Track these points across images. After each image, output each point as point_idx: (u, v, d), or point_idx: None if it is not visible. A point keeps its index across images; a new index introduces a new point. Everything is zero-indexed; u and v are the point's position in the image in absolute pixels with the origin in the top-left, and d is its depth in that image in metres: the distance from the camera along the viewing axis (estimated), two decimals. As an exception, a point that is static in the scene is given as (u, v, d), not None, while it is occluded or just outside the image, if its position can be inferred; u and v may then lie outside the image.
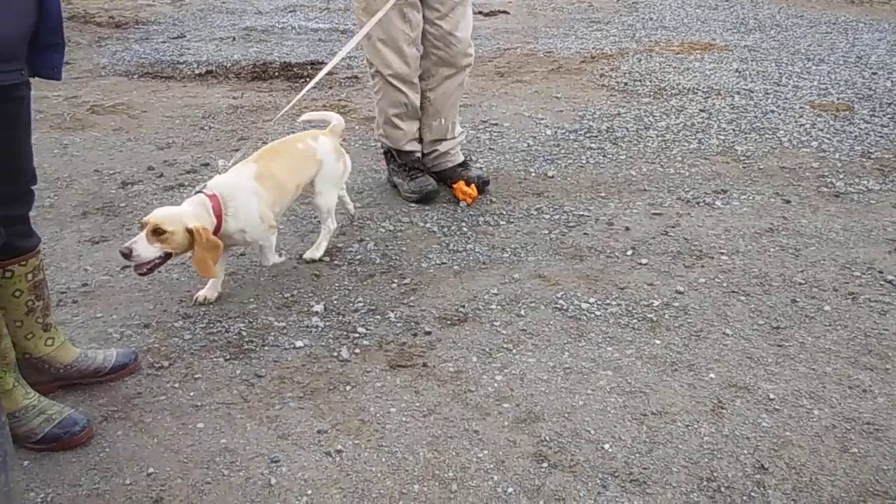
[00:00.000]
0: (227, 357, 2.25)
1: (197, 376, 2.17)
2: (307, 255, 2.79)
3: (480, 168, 3.47)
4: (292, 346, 2.30)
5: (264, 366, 2.21)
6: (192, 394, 2.10)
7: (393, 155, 3.34)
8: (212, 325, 2.40)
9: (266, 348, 2.29)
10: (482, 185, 3.28)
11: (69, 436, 1.89)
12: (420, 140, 3.35)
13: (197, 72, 5.24)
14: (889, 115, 4.06)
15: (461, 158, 3.38)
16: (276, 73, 5.17)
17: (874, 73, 4.79)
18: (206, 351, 2.28)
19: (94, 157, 3.75)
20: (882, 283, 2.60)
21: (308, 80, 5.02)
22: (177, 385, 2.14)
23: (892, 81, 4.62)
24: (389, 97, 3.21)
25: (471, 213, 3.14)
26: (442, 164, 3.35)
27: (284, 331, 2.37)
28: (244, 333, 2.36)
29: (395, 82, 3.17)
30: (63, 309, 2.48)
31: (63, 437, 1.89)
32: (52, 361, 2.04)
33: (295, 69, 5.23)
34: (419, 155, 3.35)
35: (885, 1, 6.99)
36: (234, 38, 6.16)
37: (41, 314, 1.97)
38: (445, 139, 3.33)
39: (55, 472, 1.83)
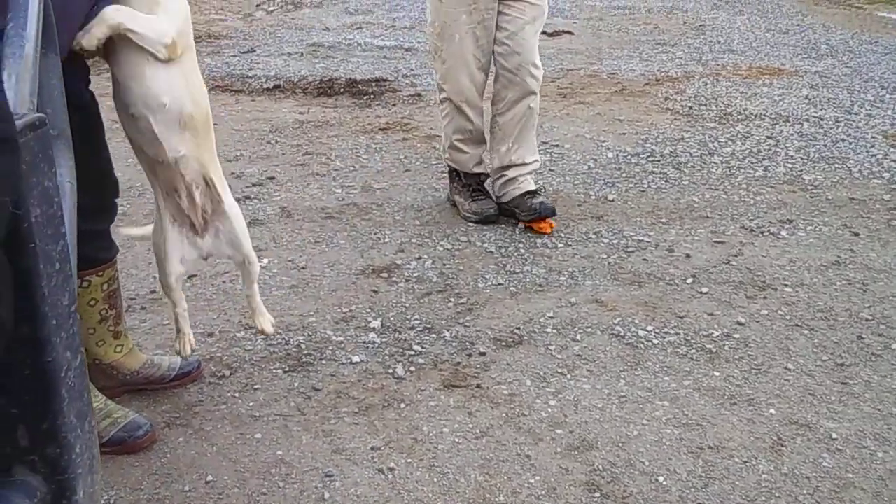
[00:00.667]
0: (286, 369, 2.30)
1: (256, 387, 2.23)
2: None
3: (547, 197, 3.38)
4: (349, 360, 2.34)
5: (321, 379, 2.25)
6: (251, 404, 2.16)
7: (458, 174, 3.35)
8: (272, 336, 2.46)
9: (323, 362, 2.34)
10: (546, 213, 3.17)
11: (133, 439, 1.96)
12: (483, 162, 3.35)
13: (265, 86, 5.39)
14: (968, 147, 3.91)
15: (531, 186, 3.26)
16: (342, 90, 5.27)
17: (953, 103, 4.62)
18: (265, 362, 2.34)
19: (165, 167, 3.88)
20: (956, 323, 2.50)
21: (372, 96, 5.12)
22: (237, 395, 2.20)
23: (972, 111, 4.45)
24: (456, 122, 3.22)
25: (529, 234, 3.14)
26: (510, 191, 3.25)
27: (342, 345, 2.42)
28: (303, 346, 2.41)
29: (463, 107, 3.18)
30: (132, 315, 2.57)
31: (127, 440, 1.96)
32: (119, 367, 2.12)
33: (360, 86, 5.33)
34: (485, 177, 3.34)
35: (966, 26, 6.73)
36: (302, 54, 6.31)
37: (113, 322, 2.06)
38: (514, 165, 3.25)
39: (118, 475, 1.90)
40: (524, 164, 3.26)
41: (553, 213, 3.18)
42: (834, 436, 2.03)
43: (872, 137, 4.10)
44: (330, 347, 2.40)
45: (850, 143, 4.02)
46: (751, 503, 1.81)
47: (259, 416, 2.11)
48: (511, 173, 3.25)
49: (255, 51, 6.46)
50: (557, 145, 4.14)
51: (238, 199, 3.44)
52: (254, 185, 3.65)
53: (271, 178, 3.71)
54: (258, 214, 3.33)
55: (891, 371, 2.28)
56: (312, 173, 3.78)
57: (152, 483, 1.88)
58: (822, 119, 4.40)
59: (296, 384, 2.24)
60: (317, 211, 3.36)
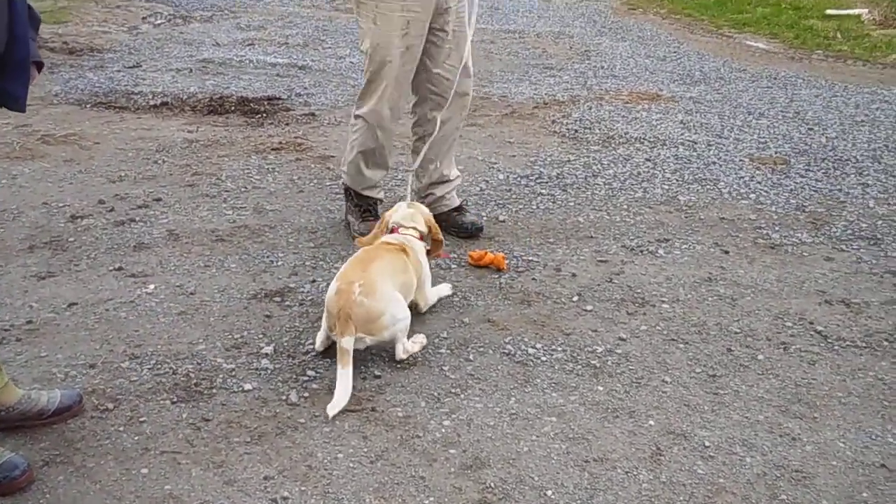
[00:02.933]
0: (175, 400, 2.24)
1: (143, 419, 2.16)
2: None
3: (476, 214, 3.50)
4: (241, 388, 2.31)
5: (212, 409, 2.21)
6: (136, 437, 2.09)
7: (352, 194, 3.38)
8: (159, 365, 2.39)
9: (214, 391, 2.29)
10: (475, 231, 3.35)
11: (8, 480, 1.87)
12: (377, 187, 3.39)
13: (152, 103, 5.22)
14: (823, 171, 4.28)
15: (457, 202, 3.43)
16: (233, 108, 5.18)
17: (810, 129, 5.04)
18: (152, 393, 2.27)
19: (43, 188, 3.70)
20: (812, 333, 2.73)
21: (265, 115, 5.05)
22: (121, 428, 2.12)
23: (826, 137, 4.86)
24: (364, 141, 3.23)
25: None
26: (437, 207, 3.34)
27: (233, 373, 2.38)
28: (192, 375, 2.36)
29: (376, 129, 3.19)
30: (6, 347, 2.44)
31: (2, 481, 1.86)
32: (-7, 403, 2.01)
33: (252, 104, 5.26)
34: (376, 202, 3.39)
35: (823, 58, 7.36)
36: (191, 70, 6.15)
37: (-15, 356, 1.95)
38: (441, 182, 3.37)
39: (-8, 519, 1.80)
40: (448, 180, 3.40)
41: (481, 230, 3.36)
42: (707, 444, 2.17)
43: (740, 160, 4.41)
44: (221, 375, 2.36)
45: (721, 166, 4.31)
46: (632, 512, 1.91)
47: (146, 450, 2.05)
48: (438, 191, 3.37)
49: (140, 66, 6.25)
50: (450, 166, 4.22)
51: (122, 222, 3.35)
52: (139, 206, 3.53)
53: (158, 200, 3.60)
54: (143, 238, 3.22)
55: (757, 380, 2.47)
56: (202, 194, 3.69)
57: (29, 526, 1.79)
58: (695, 143, 4.69)
59: (185, 415, 2.18)
60: (206, 234, 3.29)
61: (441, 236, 2.90)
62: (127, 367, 2.38)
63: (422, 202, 3.31)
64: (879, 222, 3.63)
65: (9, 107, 1.81)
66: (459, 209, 3.42)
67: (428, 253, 2.82)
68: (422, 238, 2.78)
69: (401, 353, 2.46)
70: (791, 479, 2.05)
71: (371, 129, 3.19)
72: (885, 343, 2.68)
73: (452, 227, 3.36)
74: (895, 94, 5.90)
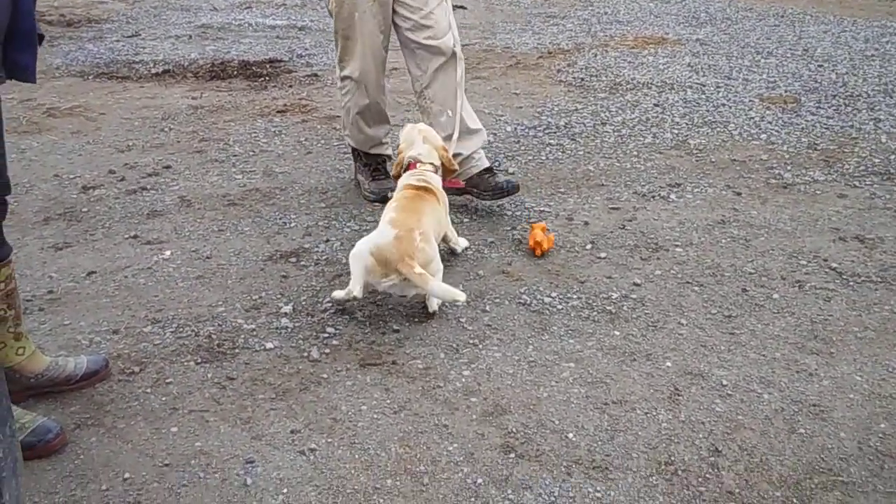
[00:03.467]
0: (199, 361, 2.28)
1: (168, 381, 2.20)
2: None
3: (509, 173, 3.35)
4: (263, 347, 2.34)
5: (235, 368, 2.25)
6: (164, 398, 2.13)
7: (359, 154, 3.36)
8: (181, 329, 2.43)
9: (237, 350, 2.33)
10: (512, 190, 3.12)
11: (43, 443, 1.91)
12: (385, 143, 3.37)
13: (154, 71, 5.20)
14: (834, 108, 4.23)
15: (486, 164, 3.21)
16: (235, 73, 5.15)
17: (820, 66, 4.96)
18: (176, 355, 2.31)
19: (52, 161, 3.72)
20: (827, 270, 2.73)
21: (268, 78, 5.02)
22: (149, 390, 2.16)
23: (836, 74, 4.79)
24: (356, 100, 3.21)
25: (434, 210, 3.19)
26: (467, 171, 3.16)
27: (254, 333, 2.41)
28: (214, 337, 2.39)
29: (364, 84, 3.15)
30: (30, 317, 2.48)
31: (37, 444, 1.90)
32: (22, 371, 2.05)
33: (254, 68, 5.22)
34: (385, 158, 3.36)
35: (830, -7, 7.21)
36: (191, 37, 6.10)
37: (13, 324, 1.98)
38: (464, 135, 3.14)
39: (31, 481, 1.85)
40: (470, 130, 3.17)
41: (517, 189, 3.13)
42: (724, 382, 2.20)
43: (750, 101, 4.36)
44: (242, 335, 2.40)
45: (731, 108, 4.26)
46: (653, 450, 1.95)
47: (174, 410, 2.09)
48: (464, 150, 3.13)
49: (139, 34, 6.20)
50: (457, 121, 4.20)
51: (133, 191, 3.36)
52: (149, 175, 3.54)
53: (167, 167, 3.61)
54: (157, 205, 3.24)
55: (773, 319, 2.48)
56: (211, 160, 3.70)
57: (67, 486, 1.84)
58: (703, 86, 4.64)
59: (209, 375, 2.22)
60: (218, 199, 3.31)
61: (455, 166, 2.87)
62: (150, 331, 2.42)
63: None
64: (892, 157, 3.60)
65: (19, 78, 1.81)
66: (490, 170, 3.20)
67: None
68: (436, 171, 2.76)
69: (434, 306, 2.50)
70: (809, 413, 2.08)
71: (360, 87, 3.15)
72: (900, 277, 2.68)
73: (486, 191, 3.14)
74: (906, 27, 5.79)
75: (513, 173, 3.54)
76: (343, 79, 3.22)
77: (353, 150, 3.40)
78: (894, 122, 3.99)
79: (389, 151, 3.39)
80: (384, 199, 3.20)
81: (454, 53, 3.10)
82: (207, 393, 2.16)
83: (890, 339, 2.37)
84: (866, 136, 3.84)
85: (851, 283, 2.65)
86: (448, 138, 3.08)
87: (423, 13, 3.06)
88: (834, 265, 2.76)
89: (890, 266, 2.75)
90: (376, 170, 3.34)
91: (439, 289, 2.39)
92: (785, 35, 5.73)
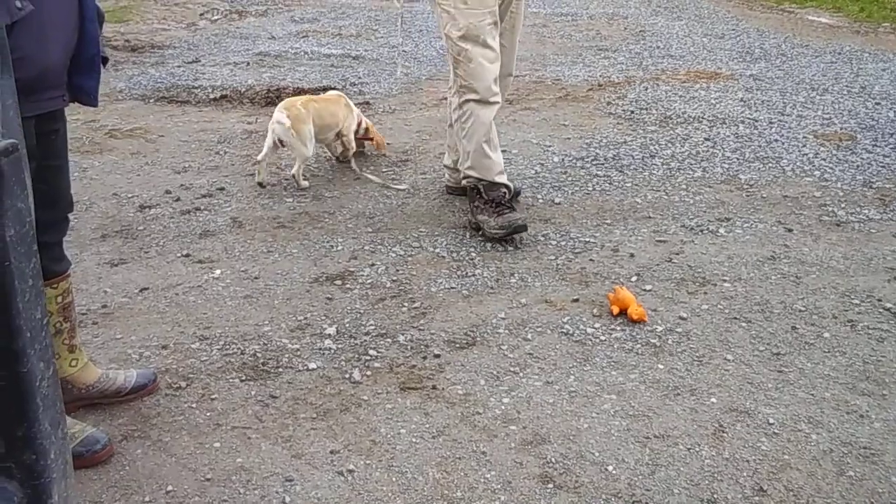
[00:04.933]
0: (243, 378, 2.33)
1: (213, 397, 2.25)
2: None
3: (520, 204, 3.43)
4: (306, 367, 2.37)
5: (279, 387, 2.28)
6: (208, 414, 2.18)
7: (480, 191, 3.21)
8: (227, 346, 2.48)
9: (280, 370, 2.37)
10: (514, 195, 3.30)
11: (91, 454, 1.97)
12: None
13: (212, 96, 5.36)
14: (891, 146, 4.13)
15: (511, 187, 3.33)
16: (290, 99, 5.28)
17: (877, 104, 4.87)
18: (222, 372, 2.36)
19: (112, 180, 3.86)
20: (881, 311, 2.66)
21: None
22: (194, 405, 2.21)
23: (894, 112, 4.69)
24: (481, 124, 3.12)
25: (479, 238, 3.21)
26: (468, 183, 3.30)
27: (298, 353, 2.45)
28: (259, 355, 2.44)
29: (491, 102, 3.12)
30: (84, 330, 2.56)
31: (85, 454, 1.96)
32: (75, 382, 2.12)
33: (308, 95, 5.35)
34: (507, 188, 3.24)
35: (890, 31, 7.08)
36: (248, 63, 6.29)
37: (68, 336, 2.05)
38: (471, 166, 3.24)
39: (78, 489, 1.90)
40: (486, 156, 3.27)
41: (518, 193, 3.37)
42: (771, 420, 2.15)
43: (804, 137, 4.29)
44: (286, 355, 2.43)
45: (783, 144, 4.20)
46: (695, 487, 1.91)
47: (217, 426, 2.13)
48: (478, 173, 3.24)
49: (199, 61, 6.41)
50: (505, 150, 4.22)
51: (187, 211, 3.46)
52: (203, 196, 3.64)
53: (221, 189, 3.71)
54: (209, 225, 3.33)
55: (823, 358, 2.42)
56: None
57: (112, 495, 1.89)
58: (756, 121, 4.58)
59: (253, 392, 2.26)
60: (268, 220, 3.38)
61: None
62: (197, 347, 2.48)
63: (458, 174, 3.38)
64: (952, 197, 3.50)
65: (82, 101, 1.90)
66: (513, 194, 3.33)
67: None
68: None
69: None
70: (859, 455, 2.01)
71: (484, 109, 3.11)
72: (959, 320, 2.60)
73: (493, 228, 3.14)
74: (969, 65, 5.65)
75: (559, 203, 3.54)
76: (464, 104, 3.14)
77: (472, 189, 3.26)
78: (955, 162, 3.88)
79: (510, 183, 3.28)
80: (517, 231, 3.10)
81: (504, 94, 3.26)
82: (250, 410, 2.19)
83: (947, 383, 2.29)
84: (925, 174, 3.75)
85: (907, 325, 2.57)
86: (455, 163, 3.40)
87: (502, 47, 3.15)
88: (888, 305, 2.68)
89: (948, 308, 2.66)
90: (499, 203, 3.17)
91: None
92: (841, 72, 5.64)
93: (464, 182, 3.32)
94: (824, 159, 3.97)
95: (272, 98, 5.28)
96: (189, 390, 2.27)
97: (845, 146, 4.15)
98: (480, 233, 3.20)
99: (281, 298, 2.77)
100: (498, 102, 3.18)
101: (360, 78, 5.79)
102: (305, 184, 3.67)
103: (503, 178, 3.24)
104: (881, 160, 3.94)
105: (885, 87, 5.21)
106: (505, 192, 3.21)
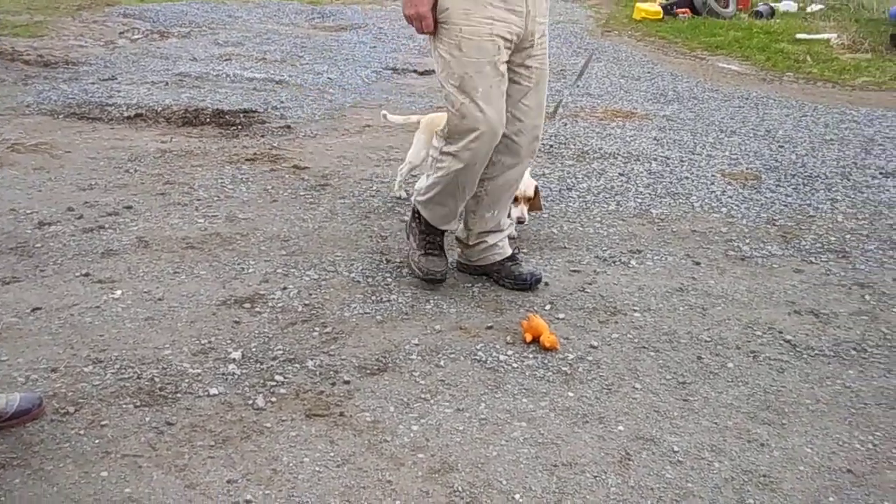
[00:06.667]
0: (138, 404, 2.20)
1: (104, 423, 2.11)
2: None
3: (532, 264, 3.21)
4: (206, 393, 2.27)
5: (175, 413, 2.17)
6: (97, 441, 2.04)
7: (421, 220, 3.01)
8: (123, 370, 2.35)
9: (179, 395, 2.25)
10: (534, 283, 3.01)
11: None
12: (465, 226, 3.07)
13: (126, 114, 5.18)
14: (793, 186, 4.34)
15: (509, 251, 3.09)
16: (208, 120, 5.16)
17: (781, 146, 5.11)
18: (115, 397, 2.23)
19: (10, 195, 3.65)
20: (781, 342, 2.75)
21: (240, 127, 5.04)
22: (82, 432, 2.07)
23: (796, 154, 4.94)
24: (452, 180, 2.82)
25: (397, 264, 3.18)
26: (489, 257, 3.06)
27: (199, 378, 2.34)
28: (157, 380, 2.31)
29: (470, 170, 2.79)
30: (-35, 351, 2.38)
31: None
32: (-52, 405, 1.96)
33: (227, 116, 5.24)
34: (445, 235, 3.06)
35: (794, 80, 7.50)
36: (167, 83, 6.12)
37: (-60, 355, 1.90)
38: (494, 231, 3.04)
39: (-57, 522, 1.75)
40: (502, 229, 3.09)
41: (539, 281, 3.03)
42: (676, 449, 2.17)
43: (712, 176, 4.46)
44: (186, 380, 2.32)
45: (693, 181, 4.35)
46: (600, 515, 1.90)
47: (106, 454, 2.00)
48: (491, 239, 3.04)
49: (116, 78, 6.21)
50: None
51: (91, 229, 3.31)
52: (109, 214, 3.48)
53: (128, 208, 3.56)
54: (112, 245, 3.18)
55: (726, 387, 2.47)
56: (173, 203, 3.66)
57: (-19, 530, 1.73)
58: (668, 158, 4.74)
59: (147, 419, 2.14)
60: (177, 241, 3.26)
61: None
62: (90, 371, 2.34)
63: (471, 250, 3.07)
64: (847, 236, 3.68)
65: None
66: (513, 258, 3.09)
67: None
68: None
69: None
70: (758, 483, 2.05)
71: (460, 171, 2.79)
72: (853, 352, 2.70)
73: (507, 278, 3.02)
74: (863, 115, 6.02)
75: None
76: (443, 153, 2.83)
77: (416, 212, 3.04)
78: (850, 203, 4.10)
79: (456, 232, 3.10)
80: (433, 281, 2.97)
81: (529, 156, 2.98)
82: (143, 437, 2.07)
83: (841, 412, 2.37)
84: (823, 214, 3.94)
85: (805, 356, 2.67)
86: (484, 234, 3.03)
87: (520, 108, 2.85)
88: (788, 337, 2.78)
89: (843, 341, 2.77)
90: (432, 244, 3.02)
91: None
92: (748, 116, 5.92)
93: (413, 201, 3.08)
94: (731, 197, 4.13)
95: (189, 118, 5.15)
96: (77, 416, 2.13)
97: (751, 185, 4.33)
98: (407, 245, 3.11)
99: (185, 321, 2.65)
100: (476, 172, 2.84)
101: (282, 102, 5.71)
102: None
103: (446, 227, 3.01)
104: (784, 199, 4.12)
105: (788, 132, 5.48)
106: (441, 237, 3.03)
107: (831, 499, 2.02)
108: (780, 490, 2.03)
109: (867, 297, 3.10)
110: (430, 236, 3.02)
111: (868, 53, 8.42)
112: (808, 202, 4.09)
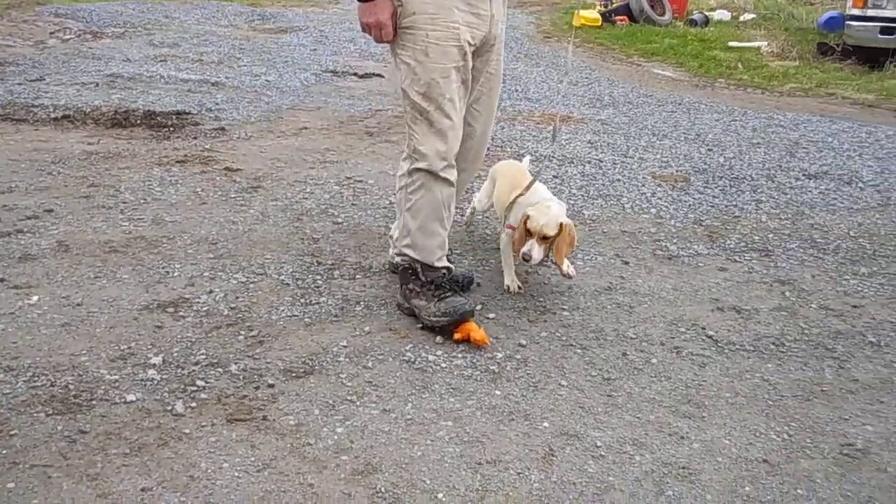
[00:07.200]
0: (50, 412, 2.12)
1: (13, 433, 2.03)
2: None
3: (465, 266, 3.16)
4: (123, 400, 2.20)
5: (89, 421, 2.10)
6: (4, 451, 1.96)
7: (415, 273, 2.79)
8: (36, 377, 2.26)
9: (94, 403, 2.18)
10: (467, 284, 2.95)
11: None
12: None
13: (52, 116, 5.03)
14: (720, 187, 4.45)
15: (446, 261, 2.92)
16: (139, 122, 5.03)
17: (710, 150, 5.25)
18: (26, 405, 2.14)
19: (-78, 199, 3.50)
20: (704, 338, 2.81)
21: (172, 129, 4.93)
22: (-12, 442, 1.99)
23: (724, 157, 5.08)
24: (432, 197, 2.68)
25: (328, 266, 3.15)
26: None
27: (116, 384, 2.27)
28: (71, 387, 2.24)
29: (445, 174, 2.66)
30: None
31: None
32: None
33: (159, 118, 5.12)
34: (448, 270, 2.83)
35: (725, 86, 7.71)
36: (97, 84, 5.96)
37: None
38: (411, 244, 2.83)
39: None
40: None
41: (472, 282, 3.01)
42: (598, 443, 2.19)
43: (643, 178, 4.55)
44: (102, 387, 2.25)
45: (625, 183, 4.43)
46: (522, 512, 1.91)
47: (14, 464, 1.92)
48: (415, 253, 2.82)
49: (44, 79, 6.02)
50: (361, 181, 4.21)
51: (7, 233, 3.19)
52: (28, 217, 3.36)
53: (49, 211, 3.44)
54: (31, 249, 3.07)
55: (649, 383, 2.52)
56: (97, 206, 3.55)
57: None
58: (601, 161, 4.82)
59: (59, 427, 2.07)
60: (99, 245, 3.16)
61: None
62: (0, 379, 2.25)
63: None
64: (770, 235, 3.79)
65: None
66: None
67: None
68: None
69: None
70: (678, 475, 2.09)
71: (437, 184, 2.67)
72: (772, 347, 2.78)
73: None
74: (789, 119, 6.23)
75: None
76: (412, 172, 2.70)
77: (404, 270, 2.84)
78: (774, 204, 4.22)
79: (452, 265, 2.89)
80: (463, 318, 2.65)
81: (477, 166, 2.96)
82: (54, 447, 2.00)
83: (759, 405, 2.44)
84: (748, 215, 4.05)
85: (726, 351, 2.73)
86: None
87: (472, 114, 2.79)
88: (711, 333, 2.84)
89: (763, 336, 2.85)
90: (439, 286, 2.75)
91: None
92: (680, 120, 6.06)
93: (397, 259, 2.87)
94: (660, 198, 4.21)
95: (119, 120, 5.03)
96: (-16, 426, 2.05)
97: (680, 187, 4.43)
98: (419, 322, 2.74)
99: (104, 326, 2.58)
100: (452, 183, 2.72)
101: (217, 104, 5.62)
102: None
103: (444, 262, 2.82)
104: (711, 200, 4.23)
105: (717, 136, 5.63)
106: (444, 273, 2.80)
107: (747, 488, 2.07)
108: (698, 481, 2.07)
109: (787, 293, 3.20)
110: (433, 281, 2.76)
111: (796, 61, 8.73)
112: (734, 203, 4.20)
